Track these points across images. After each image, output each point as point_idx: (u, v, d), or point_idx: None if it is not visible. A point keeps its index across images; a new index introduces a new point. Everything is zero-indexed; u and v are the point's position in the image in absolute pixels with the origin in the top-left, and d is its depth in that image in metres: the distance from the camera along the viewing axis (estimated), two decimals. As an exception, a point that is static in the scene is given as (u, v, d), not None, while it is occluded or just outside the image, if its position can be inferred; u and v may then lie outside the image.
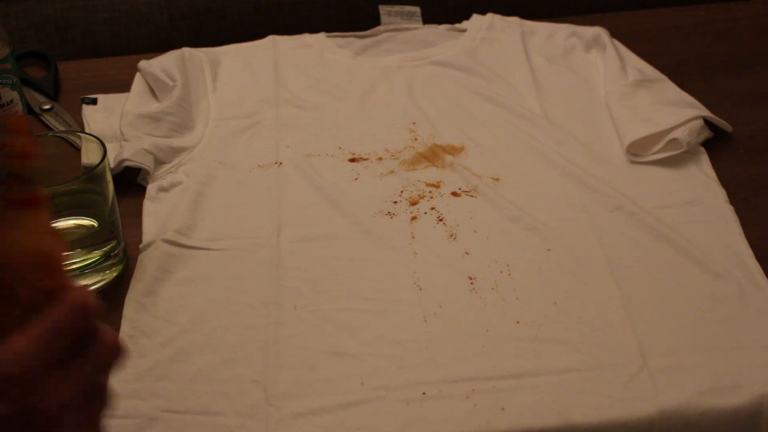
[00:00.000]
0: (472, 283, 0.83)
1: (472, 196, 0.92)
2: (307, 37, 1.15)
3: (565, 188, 0.93)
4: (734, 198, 0.91)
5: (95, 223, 0.84)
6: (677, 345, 0.76)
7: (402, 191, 0.93)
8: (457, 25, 1.17)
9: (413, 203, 0.92)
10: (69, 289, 0.46)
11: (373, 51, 1.14)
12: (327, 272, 0.84)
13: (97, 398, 0.48)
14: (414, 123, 1.02)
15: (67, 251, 0.81)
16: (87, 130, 1.03)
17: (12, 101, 0.95)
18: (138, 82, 1.08)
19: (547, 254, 0.85)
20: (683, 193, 0.92)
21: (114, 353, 0.47)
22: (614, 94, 1.03)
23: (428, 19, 1.19)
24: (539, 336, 0.78)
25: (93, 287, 0.83)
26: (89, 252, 0.82)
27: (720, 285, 0.81)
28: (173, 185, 0.94)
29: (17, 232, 0.47)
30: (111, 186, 0.82)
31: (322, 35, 1.15)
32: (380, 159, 0.97)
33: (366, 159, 0.98)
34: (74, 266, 0.82)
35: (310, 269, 0.85)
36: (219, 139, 1.00)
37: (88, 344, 0.46)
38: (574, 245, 0.86)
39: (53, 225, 0.51)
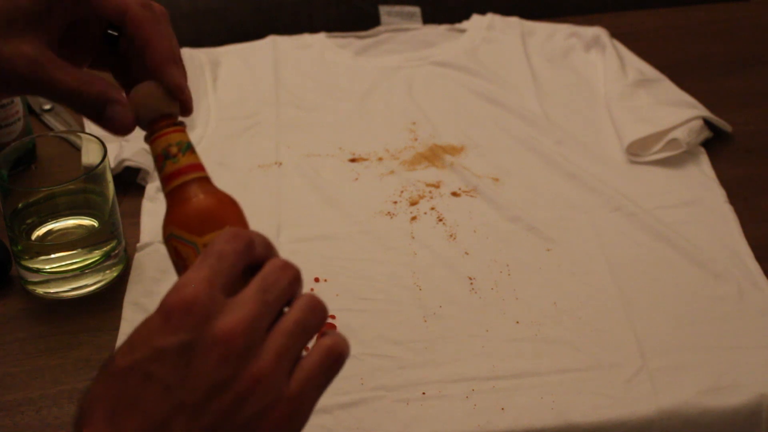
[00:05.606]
0: (471, 283, 0.83)
1: (471, 196, 0.92)
2: (307, 38, 1.15)
3: (565, 188, 0.93)
4: (734, 198, 0.91)
5: (95, 223, 0.84)
6: (677, 345, 0.76)
7: (402, 191, 0.93)
8: (457, 26, 1.16)
9: (413, 203, 0.92)
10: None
11: (373, 51, 1.14)
12: (327, 272, 0.84)
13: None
14: (414, 123, 1.02)
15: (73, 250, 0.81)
16: (87, 130, 1.02)
17: (12, 101, 0.95)
18: (138, 82, 1.07)
19: (547, 254, 0.86)
20: (683, 193, 0.92)
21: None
22: (614, 94, 1.03)
23: (428, 19, 1.19)
24: (539, 336, 0.78)
25: (93, 287, 0.83)
26: (89, 252, 0.82)
27: (719, 285, 0.81)
28: (173, 185, 0.94)
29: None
30: (111, 186, 0.82)
31: (322, 35, 1.15)
32: (380, 159, 0.98)
33: (366, 159, 0.98)
34: (74, 266, 0.82)
35: (310, 269, 0.85)
36: (219, 139, 1.00)
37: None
38: (574, 245, 0.86)
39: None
